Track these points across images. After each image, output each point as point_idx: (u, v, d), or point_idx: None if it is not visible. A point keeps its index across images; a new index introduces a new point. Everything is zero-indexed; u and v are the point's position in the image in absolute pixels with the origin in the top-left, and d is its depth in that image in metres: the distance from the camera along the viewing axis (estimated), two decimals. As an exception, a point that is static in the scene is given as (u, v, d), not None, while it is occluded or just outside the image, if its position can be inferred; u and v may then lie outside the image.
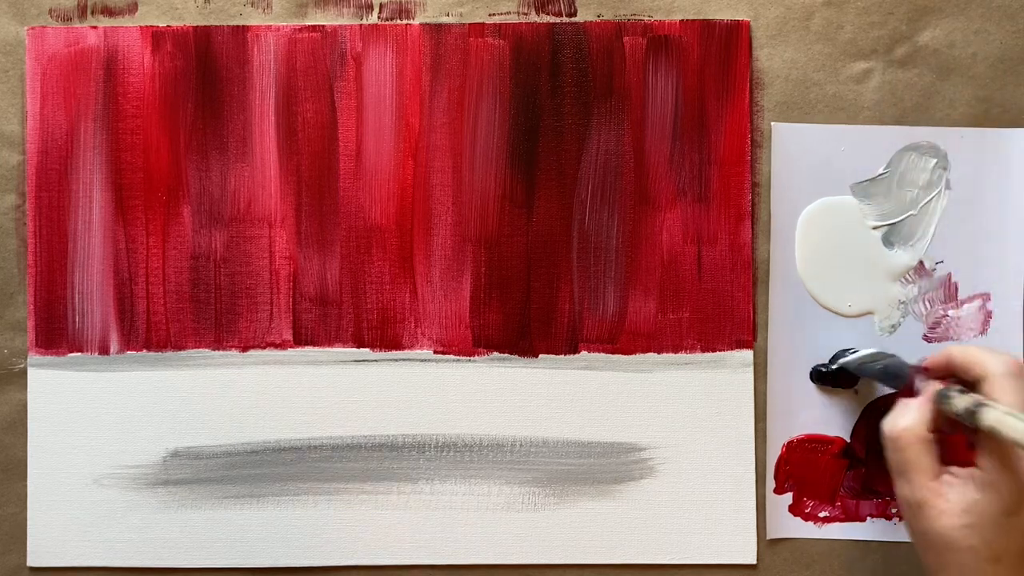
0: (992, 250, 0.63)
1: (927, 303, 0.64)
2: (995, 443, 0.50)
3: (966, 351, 0.53)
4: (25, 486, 0.64)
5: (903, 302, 0.64)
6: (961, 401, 0.51)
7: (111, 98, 0.64)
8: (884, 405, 0.63)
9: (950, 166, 0.63)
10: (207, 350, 0.64)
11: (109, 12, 0.64)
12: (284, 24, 0.64)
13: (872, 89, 0.63)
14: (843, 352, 0.63)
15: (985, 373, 0.51)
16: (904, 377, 0.57)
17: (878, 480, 0.64)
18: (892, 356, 0.61)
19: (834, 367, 0.63)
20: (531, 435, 0.64)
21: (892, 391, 0.60)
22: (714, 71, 0.63)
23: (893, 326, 0.64)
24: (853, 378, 0.63)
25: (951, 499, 0.50)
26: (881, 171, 0.63)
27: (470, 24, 0.64)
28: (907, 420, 0.52)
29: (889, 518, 0.64)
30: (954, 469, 0.51)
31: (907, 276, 0.63)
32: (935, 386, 0.53)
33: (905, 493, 0.52)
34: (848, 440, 0.64)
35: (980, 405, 0.50)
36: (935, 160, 0.63)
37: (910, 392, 0.55)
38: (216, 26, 0.64)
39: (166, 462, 0.64)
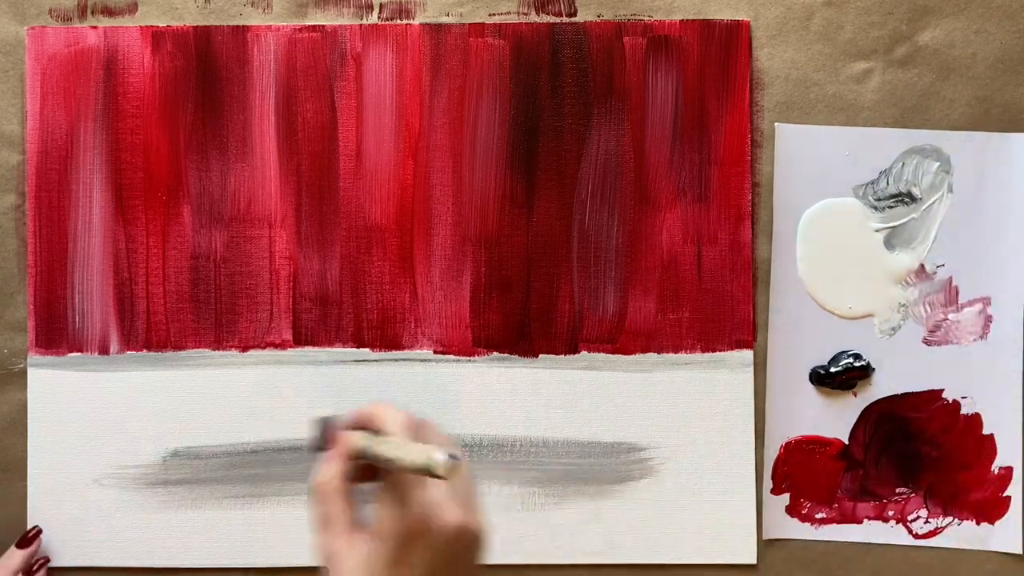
0: (993, 254, 0.63)
1: (927, 306, 0.64)
2: (387, 487, 0.48)
3: (372, 407, 0.51)
4: (25, 486, 0.64)
5: (903, 305, 0.64)
6: (360, 440, 0.49)
7: (111, 98, 0.63)
8: (883, 408, 0.64)
9: (953, 170, 0.63)
10: (207, 350, 0.64)
11: (109, 12, 0.64)
12: (284, 24, 0.64)
13: (872, 89, 0.63)
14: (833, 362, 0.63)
15: (383, 425, 0.50)
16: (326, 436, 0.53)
17: (876, 482, 0.64)
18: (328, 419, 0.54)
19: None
20: (531, 435, 0.64)
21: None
22: (714, 71, 0.63)
23: (893, 328, 0.64)
24: (852, 380, 0.63)
25: (352, 554, 0.48)
26: (884, 174, 0.63)
27: (470, 24, 0.63)
28: (324, 473, 0.50)
29: (886, 521, 0.64)
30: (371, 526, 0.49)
31: (908, 279, 0.63)
32: (346, 436, 0.51)
33: (322, 543, 0.49)
34: (846, 442, 0.64)
35: (371, 440, 0.48)
36: (938, 163, 0.63)
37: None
38: (216, 26, 0.63)
39: (166, 462, 0.64)
